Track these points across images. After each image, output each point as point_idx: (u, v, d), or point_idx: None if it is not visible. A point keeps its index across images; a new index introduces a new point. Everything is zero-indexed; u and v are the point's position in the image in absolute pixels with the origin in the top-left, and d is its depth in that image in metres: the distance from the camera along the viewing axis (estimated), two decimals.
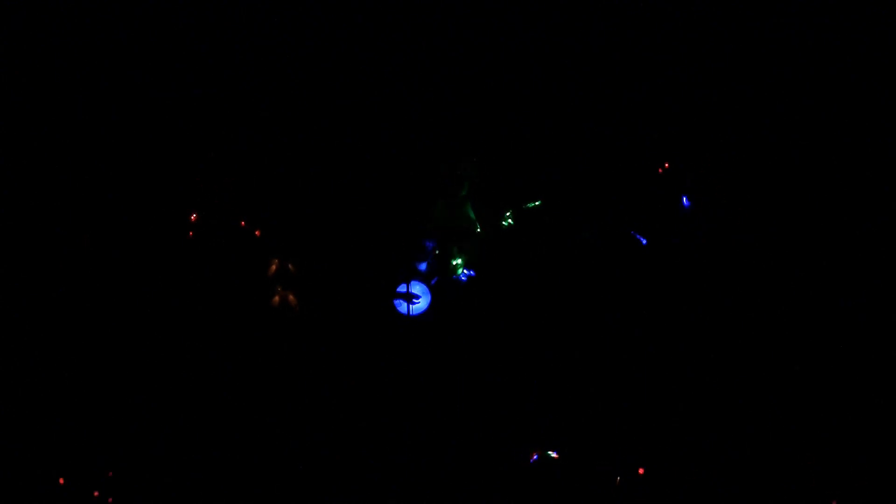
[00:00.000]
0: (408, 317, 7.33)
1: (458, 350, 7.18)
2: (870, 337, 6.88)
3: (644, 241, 7.28)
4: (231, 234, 7.36)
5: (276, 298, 7.22)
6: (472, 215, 7.66)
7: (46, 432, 6.81)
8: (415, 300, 7.33)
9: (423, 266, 7.50)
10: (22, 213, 7.22)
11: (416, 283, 7.39)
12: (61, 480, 6.71)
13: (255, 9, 7.75)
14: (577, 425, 6.89)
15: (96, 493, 6.73)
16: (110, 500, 6.74)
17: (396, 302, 7.36)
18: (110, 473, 6.76)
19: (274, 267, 7.24)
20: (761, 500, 6.58)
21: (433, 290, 7.42)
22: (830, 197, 7.26)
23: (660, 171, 7.44)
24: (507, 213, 7.51)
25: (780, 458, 6.65)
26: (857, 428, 6.67)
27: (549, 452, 6.76)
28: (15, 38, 7.45)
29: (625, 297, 7.21)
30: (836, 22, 7.44)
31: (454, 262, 7.47)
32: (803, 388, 6.83)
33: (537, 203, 7.48)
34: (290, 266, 7.25)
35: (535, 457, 6.78)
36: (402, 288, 7.35)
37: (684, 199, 7.36)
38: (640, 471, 6.69)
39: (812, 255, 7.16)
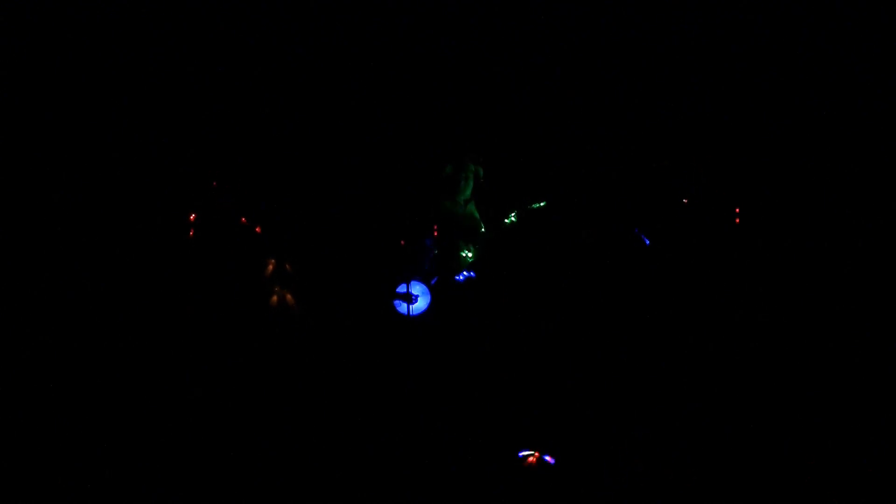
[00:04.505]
0: (408, 317, 7.33)
1: (458, 350, 7.17)
2: (870, 337, 6.86)
3: (647, 242, 7.26)
4: (230, 233, 7.38)
5: (275, 298, 7.23)
6: (476, 215, 7.66)
7: (46, 432, 6.84)
8: (414, 300, 7.35)
9: (424, 265, 7.51)
10: (20, 213, 7.27)
11: (416, 283, 7.39)
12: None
13: (257, 8, 7.78)
14: (578, 425, 6.88)
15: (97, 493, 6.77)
16: (111, 499, 6.77)
17: (396, 302, 7.36)
18: (110, 473, 6.79)
19: (271, 267, 7.26)
20: (761, 500, 6.56)
21: (433, 290, 7.42)
22: (830, 197, 7.26)
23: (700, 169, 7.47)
24: (512, 213, 7.51)
25: (779, 458, 6.63)
26: (857, 428, 6.64)
27: (546, 458, 6.75)
28: (18, 38, 7.50)
29: (625, 298, 7.20)
30: (836, 22, 7.44)
31: (462, 255, 7.46)
32: (803, 388, 6.82)
33: (542, 204, 7.47)
34: (287, 266, 7.27)
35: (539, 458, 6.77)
36: (402, 288, 7.35)
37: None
38: (640, 470, 6.68)
39: (812, 254, 7.15)
